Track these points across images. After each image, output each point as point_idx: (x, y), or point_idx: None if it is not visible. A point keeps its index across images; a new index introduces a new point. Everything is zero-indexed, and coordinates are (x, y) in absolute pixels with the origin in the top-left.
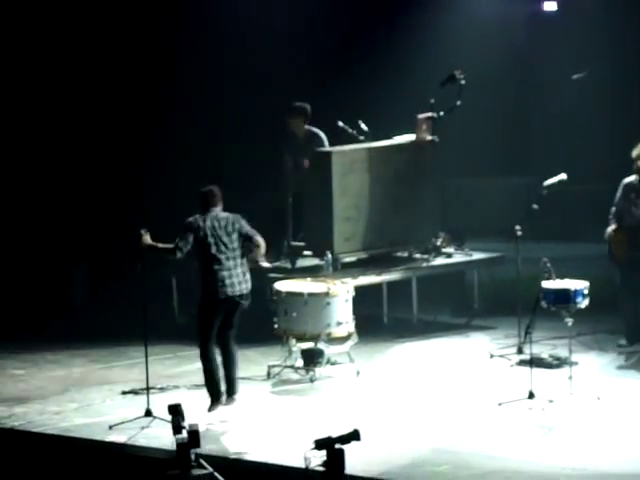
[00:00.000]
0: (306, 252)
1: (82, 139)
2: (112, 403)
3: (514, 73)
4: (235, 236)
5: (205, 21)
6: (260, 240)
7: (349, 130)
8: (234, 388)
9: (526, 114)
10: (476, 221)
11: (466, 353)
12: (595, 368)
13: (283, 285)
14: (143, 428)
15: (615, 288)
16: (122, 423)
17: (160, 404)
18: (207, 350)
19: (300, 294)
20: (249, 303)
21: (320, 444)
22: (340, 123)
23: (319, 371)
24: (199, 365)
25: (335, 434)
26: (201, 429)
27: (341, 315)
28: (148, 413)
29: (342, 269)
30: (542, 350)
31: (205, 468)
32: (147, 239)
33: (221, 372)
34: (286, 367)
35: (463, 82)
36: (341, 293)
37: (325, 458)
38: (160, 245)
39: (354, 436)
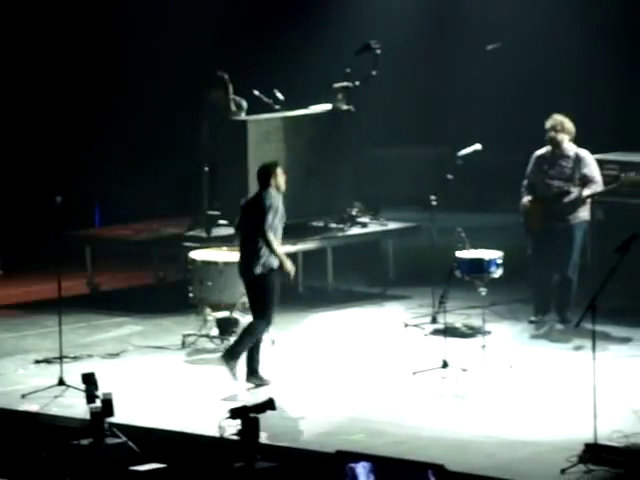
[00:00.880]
0: (221, 221)
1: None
2: (25, 372)
3: (430, 43)
4: None
5: None
6: None
7: (264, 99)
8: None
9: (441, 84)
10: (391, 191)
11: (381, 323)
12: (508, 337)
13: (198, 254)
14: (56, 397)
15: (528, 258)
16: (35, 392)
17: (73, 373)
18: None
19: (215, 263)
20: None
21: (235, 413)
22: (256, 92)
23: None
24: (113, 334)
25: (250, 403)
26: (115, 398)
27: None
28: (61, 382)
29: None
30: (456, 319)
31: (119, 437)
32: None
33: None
34: (201, 336)
35: (378, 52)
36: None
37: (240, 427)
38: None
39: (269, 405)
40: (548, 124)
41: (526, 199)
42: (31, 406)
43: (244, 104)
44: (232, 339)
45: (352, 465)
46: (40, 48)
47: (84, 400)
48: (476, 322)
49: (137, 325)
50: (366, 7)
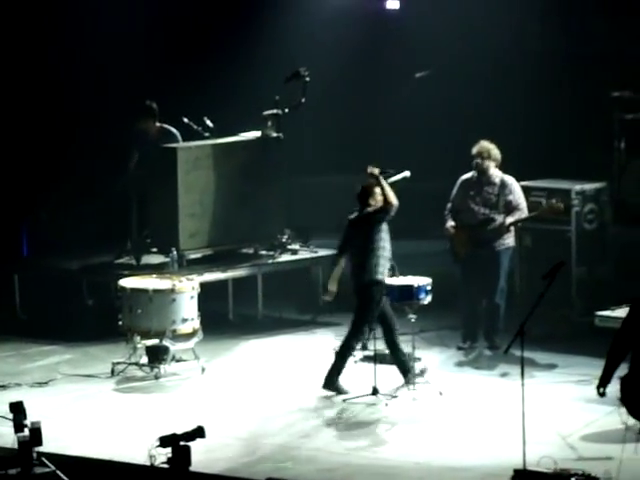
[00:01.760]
0: (151, 249)
1: None
2: None
3: (358, 71)
4: None
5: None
6: None
7: (194, 126)
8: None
9: (370, 111)
10: (321, 218)
11: (311, 349)
12: (437, 364)
13: (128, 282)
14: None
15: (457, 285)
16: None
17: (1, 402)
18: None
19: (145, 290)
20: None
21: (165, 441)
22: (185, 119)
23: (164, 368)
24: (42, 362)
25: (180, 431)
26: (43, 427)
27: (186, 312)
28: None
29: (187, 266)
30: (386, 346)
31: (47, 467)
32: None
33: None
34: (131, 364)
35: (307, 79)
36: (186, 290)
37: (170, 455)
38: None
39: (199, 433)
40: (474, 150)
41: (450, 224)
42: None
43: (174, 132)
44: (162, 367)
45: None
46: None
47: (12, 429)
48: (406, 349)
49: (66, 353)
50: (296, 35)
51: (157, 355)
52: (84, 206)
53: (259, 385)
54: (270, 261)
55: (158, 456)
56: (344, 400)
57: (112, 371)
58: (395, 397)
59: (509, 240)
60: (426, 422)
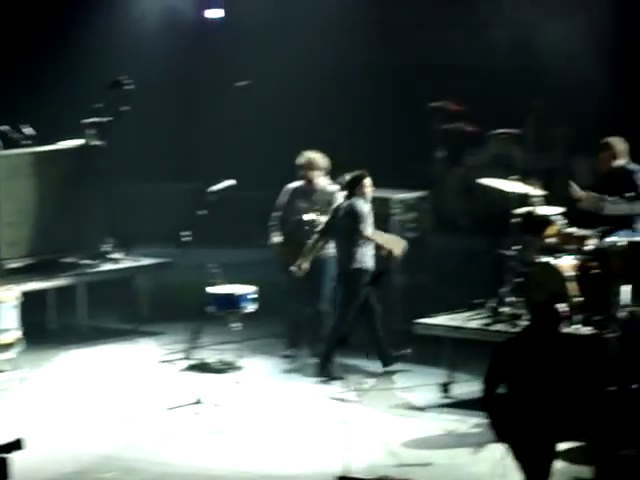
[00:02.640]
0: None
1: None
2: None
3: (182, 78)
4: None
5: None
6: None
7: (13, 134)
8: None
9: (193, 119)
10: (145, 227)
11: (135, 359)
12: (261, 372)
13: None
14: None
15: (282, 293)
16: None
17: None
18: None
19: None
20: None
21: None
22: (3, 127)
23: None
24: None
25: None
26: None
27: (7, 322)
28: None
29: (8, 275)
30: (209, 355)
31: None
32: None
33: None
34: None
35: (130, 87)
36: (7, 299)
37: None
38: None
39: (16, 445)
40: (300, 161)
41: (276, 239)
42: None
43: None
44: None
45: None
46: None
47: None
48: (230, 357)
49: None
50: (121, 43)
51: None
52: None
53: (81, 395)
54: (92, 270)
55: None
56: (168, 409)
57: None
58: (219, 406)
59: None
60: (250, 430)
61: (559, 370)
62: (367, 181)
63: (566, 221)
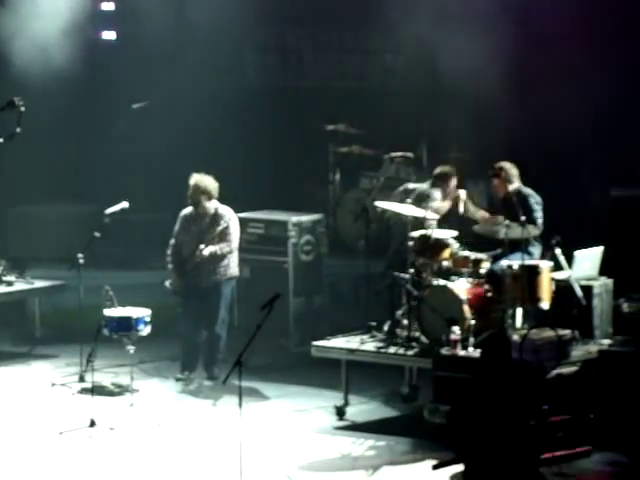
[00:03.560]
0: None
1: None
2: None
3: (77, 101)
4: None
5: None
6: None
7: None
8: None
9: (89, 142)
10: (38, 249)
11: (27, 382)
12: (156, 395)
13: None
14: None
15: (177, 315)
16: None
17: None
18: None
19: None
20: None
21: None
22: None
23: None
24: None
25: None
26: None
27: None
28: None
29: None
30: (104, 378)
31: None
32: None
33: None
34: None
35: (23, 109)
36: None
37: None
38: None
39: None
40: (189, 184)
41: (170, 265)
42: None
43: None
44: None
45: None
46: None
47: None
48: (124, 380)
49: None
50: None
51: None
52: None
53: None
54: None
55: None
56: (61, 432)
57: None
58: (113, 429)
59: (231, 271)
60: (145, 454)
61: (516, 395)
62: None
63: (460, 245)
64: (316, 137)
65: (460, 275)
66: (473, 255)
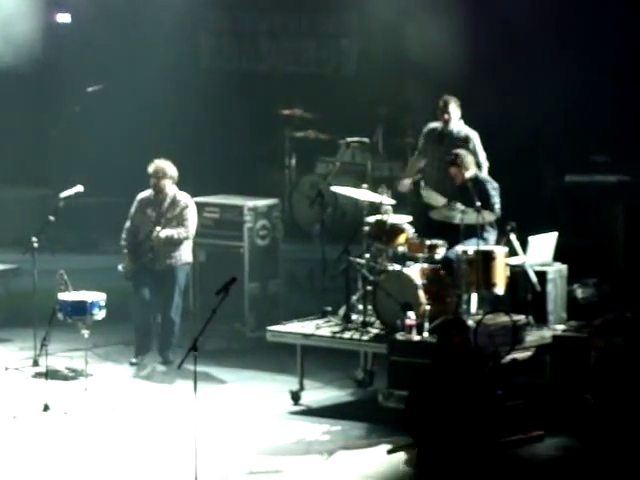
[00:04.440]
0: None
1: None
2: None
3: (32, 83)
4: None
5: None
6: None
7: None
8: None
9: (42, 125)
10: None
11: None
12: (110, 379)
13: None
14: None
15: (131, 300)
16: None
17: None
18: None
19: None
20: None
21: None
22: None
23: None
24: None
25: None
26: None
27: None
28: None
29: None
30: (58, 362)
31: None
32: None
33: None
34: None
35: None
36: None
37: None
38: None
39: None
40: (150, 170)
41: (125, 249)
42: None
43: None
44: None
45: None
46: None
47: None
48: (79, 364)
49: None
50: None
51: None
52: None
53: None
54: None
55: None
56: (14, 417)
57: None
58: (67, 413)
59: (186, 256)
60: (100, 438)
61: (474, 379)
62: None
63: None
64: (272, 122)
65: (415, 260)
66: (429, 240)
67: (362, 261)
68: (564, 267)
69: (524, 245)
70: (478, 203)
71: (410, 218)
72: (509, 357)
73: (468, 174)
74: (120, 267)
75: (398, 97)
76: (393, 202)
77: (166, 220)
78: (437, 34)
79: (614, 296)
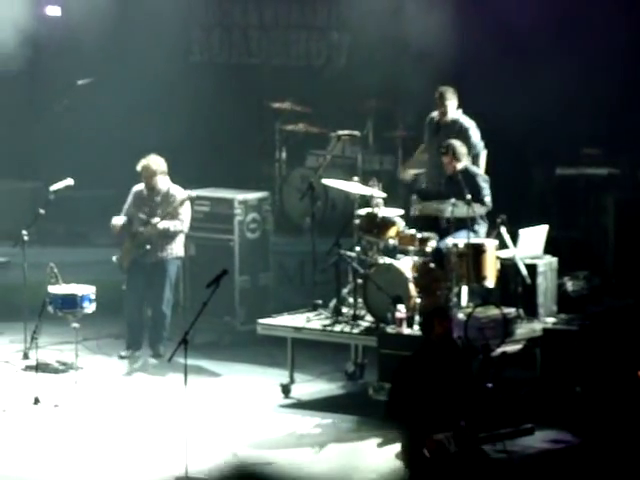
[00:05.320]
0: None
1: None
2: None
3: (23, 76)
4: None
5: None
6: None
7: None
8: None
9: (34, 117)
10: None
11: None
12: (101, 372)
13: None
14: None
15: (122, 293)
16: None
17: None
18: None
19: None
20: None
21: None
22: None
23: None
24: None
25: None
26: None
27: None
28: None
29: None
30: (48, 355)
31: None
32: None
33: None
34: None
35: None
36: None
37: None
38: None
39: None
40: (139, 169)
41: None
42: None
43: None
44: None
45: None
46: None
47: None
48: (69, 358)
49: None
50: None
51: None
52: None
53: None
54: None
55: None
56: (4, 410)
57: None
58: (57, 406)
59: (177, 249)
60: (90, 431)
61: (459, 369)
62: None
63: (406, 223)
64: (262, 115)
65: (406, 253)
66: (419, 233)
67: (353, 254)
68: (554, 260)
69: (514, 238)
70: (468, 195)
71: (402, 211)
72: (499, 350)
73: (459, 165)
74: (114, 258)
75: (389, 90)
76: (384, 195)
77: (161, 214)
78: (429, 26)
79: (604, 289)
